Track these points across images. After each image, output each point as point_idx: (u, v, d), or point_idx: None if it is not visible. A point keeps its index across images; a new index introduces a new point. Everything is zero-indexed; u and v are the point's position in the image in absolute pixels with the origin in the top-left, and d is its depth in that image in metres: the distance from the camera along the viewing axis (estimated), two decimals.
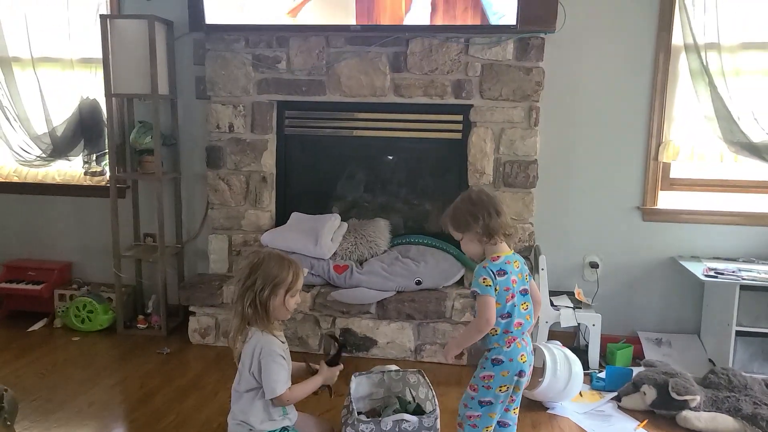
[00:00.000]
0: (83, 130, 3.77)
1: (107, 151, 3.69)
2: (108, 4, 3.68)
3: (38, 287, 3.81)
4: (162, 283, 3.63)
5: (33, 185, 4.01)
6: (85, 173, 3.88)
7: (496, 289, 2.05)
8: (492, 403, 2.12)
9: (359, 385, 2.56)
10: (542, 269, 3.22)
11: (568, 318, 3.22)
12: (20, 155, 3.87)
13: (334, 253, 3.48)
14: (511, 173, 3.39)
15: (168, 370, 3.20)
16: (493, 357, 2.10)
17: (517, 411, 2.22)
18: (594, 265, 3.54)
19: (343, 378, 2.33)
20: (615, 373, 3.03)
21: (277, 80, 3.49)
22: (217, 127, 3.57)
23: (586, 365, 3.21)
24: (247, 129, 3.57)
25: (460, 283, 3.51)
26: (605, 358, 3.33)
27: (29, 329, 3.72)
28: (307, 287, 3.40)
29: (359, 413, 2.46)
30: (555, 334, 3.30)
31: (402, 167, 3.73)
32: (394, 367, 2.65)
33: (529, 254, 3.40)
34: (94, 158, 3.85)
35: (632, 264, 3.53)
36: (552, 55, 3.34)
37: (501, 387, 2.10)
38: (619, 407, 2.83)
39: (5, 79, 3.79)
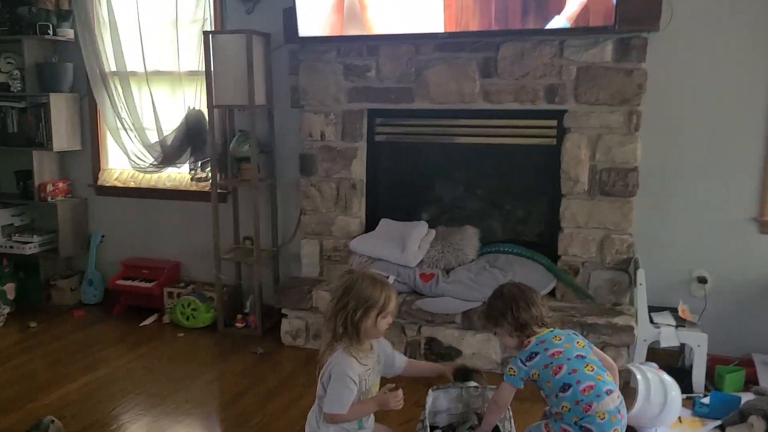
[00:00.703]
0: (189, 139, 4.00)
1: (210, 158, 3.89)
2: (212, 20, 3.88)
3: (150, 285, 4.10)
4: (257, 285, 3.78)
5: (147, 190, 4.30)
6: (192, 179, 4.11)
7: (530, 377, 2.08)
8: None
9: (437, 399, 2.52)
10: (640, 284, 3.02)
11: (669, 337, 3.00)
12: (136, 162, 4.17)
13: (421, 261, 3.46)
14: (608, 181, 3.21)
15: (259, 370, 3.33)
16: (582, 424, 1.99)
17: None
18: (702, 280, 3.28)
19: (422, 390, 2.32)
20: (720, 399, 2.79)
21: (367, 88, 3.52)
22: (309, 135, 3.67)
23: (689, 388, 2.98)
24: (338, 137, 3.63)
25: (552, 294, 3.38)
26: (713, 382, 3.07)
27: (141, 324, 4.00)
28: None
29: (435, 428, 2.43)
30: (658, 353, 3.09)
31: (492, 174, 3.64)
32: (473, 384, 2.59)
33: (628, 267, 3.21)
34: (200, 165, 4.07)
35: (747, 280, 3.23)
36: (656, 55, 3.12)
37: None
38: None
39: (123, 92, 4.10)
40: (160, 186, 4.25)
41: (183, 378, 3.24)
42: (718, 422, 2.70)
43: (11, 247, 4.26)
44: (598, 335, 3.03)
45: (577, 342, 2.11)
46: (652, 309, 3.22)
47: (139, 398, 3.02)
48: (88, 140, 4.37)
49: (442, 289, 3.31)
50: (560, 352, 2.04)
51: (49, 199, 4.25)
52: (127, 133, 4.14)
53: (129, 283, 4.16)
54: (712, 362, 3.14)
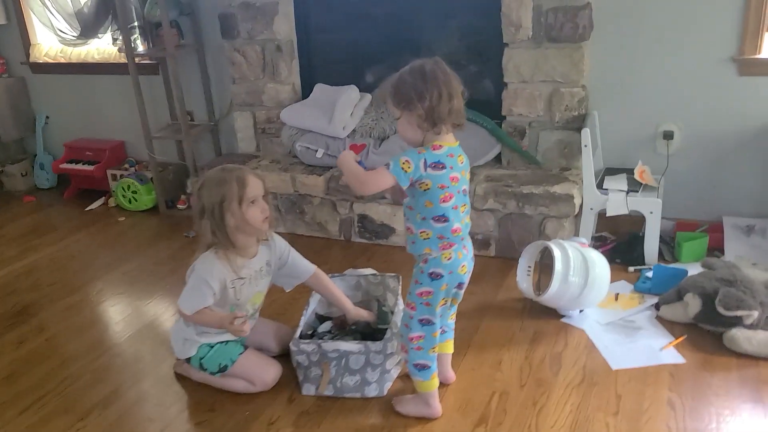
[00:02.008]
0: (107, 7, 3.60)
1: (132, 27, 3.50)
2: None
3: (92, 167, 3.91)
4: (192, 163, 3.53)
5: (81, 65, 3.98)
6: (119, 50, 3.76)
7: (422, 185, 1.67)
8: (433, 323, 1.78)
9: None
10: (584, 146, 2.61)
11: (617, 204, 2.64)
12: (60, 36, 3.82)
13: (353, 131, 3.11)
14: (555, 24, 2.70)
15: (185, 254, 3.15)
16: (431, 270, 1.74)
17: (454, 317, 1.97)
18: (668, 136, 2.82)
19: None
20: (664, 273, 2.47)
21: None
22: None
23: (642, 260, 2.67)
24: None
25: (497, 161, 3.01)
26: (675, 252, 2.73)
27: (87, 208, 3.87)
28: (322, 170, 3.10)
29: (327, 318, 2.23)
30: (621, 222, 2.74)
31: (437, 24, 3.14)
32: (370, 271, 2.34)
33: (580, 126, 2.77)
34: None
35: (722, 133, 2.77)
36: None
37: (440, 302, 1.78)
38: (658, 318, 2.31)
39: None
40: (90, 60, 3.91)
41: (105, 266, 3.10)
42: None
43: None
44: (535, 206, 2.69)
45: (468, 172, 1.78)
46: (610, 172, 2.85)
47: (52, 288, 2.90)
48: (12, 12, 4.01)
49: (371, 162, 2.97)
50: (457, 180, 1.70)
51: None
52: (44, 4, 3.76)
53: (72, 166, 3.98)
54: (680, 229, 2.79)
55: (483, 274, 2.69)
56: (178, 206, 3.71)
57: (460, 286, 1.80)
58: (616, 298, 2.45)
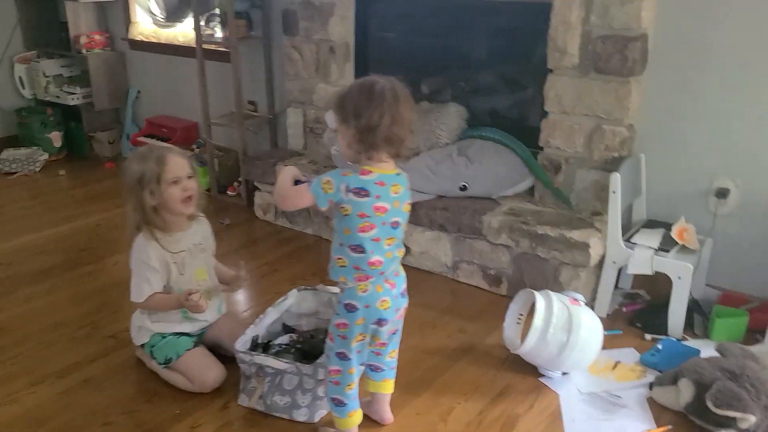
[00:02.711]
0: None
1: (212, 14, 3.63)
2: None
3: (162, 144, 4.11)
4: (242, 152, 3.61)
5: (171, 46, 4.19)
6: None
7: (342, 209, 1.57)
8: (349, 358, 1.67)
9: (303, 301, 2.25)
10: (612, 192, 2.35)
11: (640, 262, 2.35)
12: (153, 17, 4.05)
13: None
14: (603, 54, 2.44)
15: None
16: (346, 302, 1.64)
17: (394, 355, 1.82)
18: (723, 194, 2.47)
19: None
20: (674, 349, 2.18)
21: None
22: None
23: (664, 330, 2.36)
24: None
25: (530, 193, 2.80)
26: (709, 327, 2.39)
27: None
28: None
29: (293, 330, 2.18)
30: (662, 281, 2.41)
31: (489, 41, 2.97)
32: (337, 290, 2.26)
33: (618, 169, 2.50)
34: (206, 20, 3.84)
35: None
36: None
37: (357, 337, 1.66)
38: (649, 399, 2.03)
39: None
40: (175, 42, 4.11)
41: None
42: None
43: (57, 97, 4.48)
44: (548, 249, 2.46)
45: (406, 205, 1.64)
46: (651, 224, 2.55)
47: (102, 247, 3.09)
48: None
49: None
50: (384, 210, 1.57)
51: (83, 51, 4.34)
52: None
53: (147, 140, 4.20)
54: (724, 301, 2.45)
55: (484, 312, 2.53)
56: (228, 192, 3.80)
57: (379, 322, 1.66)
58: (615, 367, 2.18)
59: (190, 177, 1.97)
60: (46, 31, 4.53)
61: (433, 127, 2.95)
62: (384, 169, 1.58)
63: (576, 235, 2.41)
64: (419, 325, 2.42)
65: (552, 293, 2.12)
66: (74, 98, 4.42)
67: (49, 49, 4.53)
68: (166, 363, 2.02)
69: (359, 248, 1.58)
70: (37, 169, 4.27)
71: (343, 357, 1.68)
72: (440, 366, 2.18)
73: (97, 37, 4.39)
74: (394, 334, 1.77)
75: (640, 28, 2.35)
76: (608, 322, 2.46)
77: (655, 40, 2.43)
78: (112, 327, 2.38)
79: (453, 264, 2.79)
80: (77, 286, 2.73)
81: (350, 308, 1.63)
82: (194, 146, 4.09)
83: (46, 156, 4.36)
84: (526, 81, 2.91)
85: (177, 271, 2.00)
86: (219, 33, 3.66)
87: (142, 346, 2.08)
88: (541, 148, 2.72)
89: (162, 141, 4.12)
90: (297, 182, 1.65)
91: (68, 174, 4.24)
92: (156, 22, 4.11)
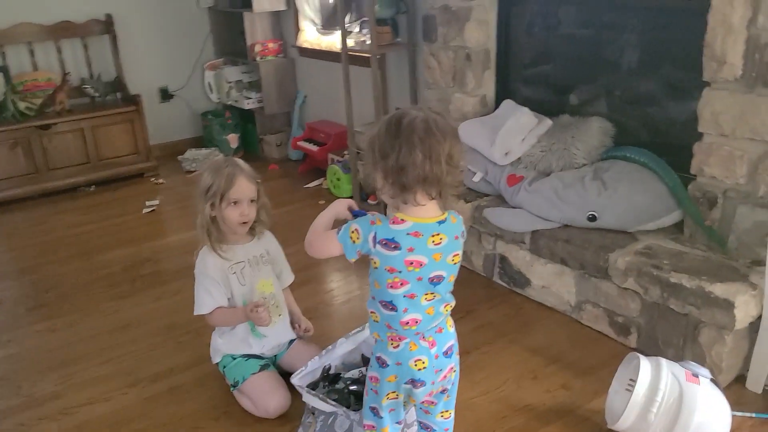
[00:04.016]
0: (347, 3, 3.78)
1: (363, 21, 3.64)
2: None
3: (316, 148, 4.21)
4: None
5: (326, 52, 4.26)
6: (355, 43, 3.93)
7: (372, 261, 1.40)
8: (381, 416, 1.51)
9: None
10: None
11: None
12: (314, 25, 4.16)
13: (518, 159, 2.74)
14: None
15: None
16: (378, 354, 1.48)
17: (447, 416, 1.58)
18: None
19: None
20: None
21: None
22: None
23: None
24: None
25: (679, 228, 2.34)
26: None
27: (305, 185, 4.21)
28: (475, 195, 2.82)
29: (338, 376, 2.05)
30: None
31: (639, 51, 2.54)
32: None
33: None
34: (358, 27, 3.85)
35: None
36: None
37: (389, 395, 1.48)
38: None
39: None
40: (334, 50, 4.17)
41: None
42: None
43: (236, 101, 4.82)
44: (683, 303, 2.02)
45: (454, 256, 1.42)
46: None
47: None
48: (292, 0, 4.49)
49: (520, 199, 2.60)
50: (420, 265, 1.37)
51: (257, 58, 4.60)
52: None
53: (305, 144, 4.34)
54: None
55: (602, 365, 2.19)
56: (369, 201, 3.77)
57: (414, 383, 1.44)
58: None
59: (252, 201, 1.95)
60: (232, 40, 4.89)
61: (567, 144, 2.60)
62: (421, 217, 1.37)
63: (718, 289, 1.94)
64: (518, 373, 2.15)
65: (665, 362, 1.72)
66: (249, 102, 4.72)
67: (233, 56, 4.89)
68: (234, 385, 2.02)
69: (390, 305, 1.40)
70: None
71: (375, 413, 1.52)
72: (524, 428, 1.90)
73: (270, 44, 4.63)
74: (442, 393, 1.55)
75: None
76: (763, 401, 1.97)
77: None
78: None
79: (577, 303, 2.44)
80: None
81: (381, 363, 1.46)
82: (345, 152, 4.13)
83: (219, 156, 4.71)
84: (674, 95, 2.43)
85: (237, 281, 2.00)
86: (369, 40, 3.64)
87: (217, 364, 2.10)
88: (693, 177, 2.24)
89: (318, 145, 4.23)
90: (352, 214, 1.52)
91: None
92: (318, 30, 4.20)
